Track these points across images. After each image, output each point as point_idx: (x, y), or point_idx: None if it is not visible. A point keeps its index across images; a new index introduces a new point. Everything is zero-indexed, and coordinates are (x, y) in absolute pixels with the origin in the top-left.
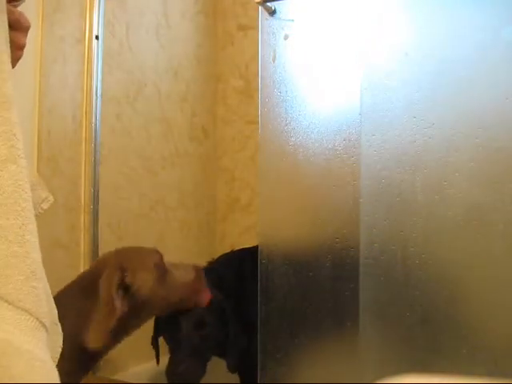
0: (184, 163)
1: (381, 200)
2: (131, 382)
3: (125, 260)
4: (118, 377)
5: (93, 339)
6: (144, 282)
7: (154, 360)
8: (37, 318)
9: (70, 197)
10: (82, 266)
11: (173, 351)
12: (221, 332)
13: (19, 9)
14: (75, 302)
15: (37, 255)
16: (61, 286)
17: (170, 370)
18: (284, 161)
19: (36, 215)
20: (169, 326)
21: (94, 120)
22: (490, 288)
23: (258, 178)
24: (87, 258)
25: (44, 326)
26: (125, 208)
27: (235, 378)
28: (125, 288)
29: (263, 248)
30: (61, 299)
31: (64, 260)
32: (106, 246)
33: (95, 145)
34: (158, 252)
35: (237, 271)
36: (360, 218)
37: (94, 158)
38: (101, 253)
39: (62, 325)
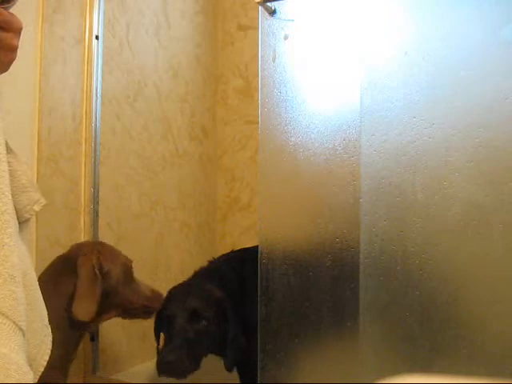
0: (184, 163)
1: (381, 200)
2: (131, 382)
3: (100, 248)
4: (118, 377)
5: (80, 312)
6: (114, 271)
7: (154, 360)
8: (14, 322)
9: (70, 197)
10: None
11: (166, 343)
12: (219, 329)
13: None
14: (56, 280)
15: (16, 259)
16: None
17: (159, 360)
18: (284, 161)
19: (36, 215)
20: (166, 318)
21: (94, 120)
22: (489, 288)
23: (258, 178)
24: None
25: (21, 329)
26: (125, 208)
27: (235, 378)
28: (100, 269)
29: (263, 248)
30: (42, 280)
31: None
32: None
33: (95, 145)
34: (129, 260)
35: (238, 271)
36: (360, 218)
37: (94, 158)
38: None
39: (47, 303)
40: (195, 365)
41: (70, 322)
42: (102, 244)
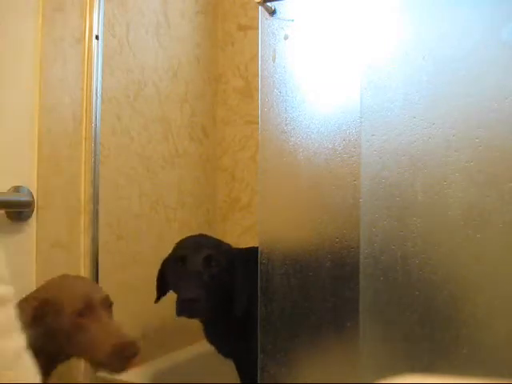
0: (184, 163)
1: (381, 200)
2: (131, 382)
3: (51, 293)
4: (118, 377)
5: None
6: (56, 326)
7: (154, 360)
8: None
9: (70, 197)
10: (82, 266)
11: (181, 285)
12: (229, 277)
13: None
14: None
15: None
16: None
17: (179, 299)
18: (284, 161)
19: (36, 215)
20: (179, 263)
21: (94, 120)
22: (489, 288)
23: (258, 178)
24: (87, 258)
25: None
26: (125, 208)
27: (235, 378)
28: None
29: (263, 248)
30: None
31: (64, 260)
32: (106, 246)
33: (95, 144)
34: (100, 299)
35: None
36: (360, 218)
37: (94, 157)
38: (101, 253)
39: None
40: (210, 309)
41: None
42: (59, 287)
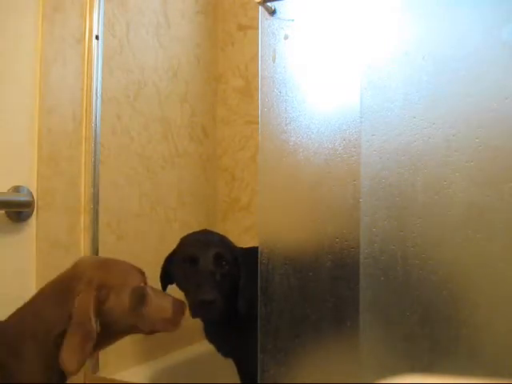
0: (184, 163)
1: (381, 200)
2: (131, 382)
3: (104, 276)
4: (118, 377)
5: (69, 364)
6: (118, 305)
7: (154, 360)
8: None
9: (70, 197)
10: None
11: (196, 285)
12: (237, 274)
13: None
14: (51, 306)
15: None
16: None
17: (196, 301)
18: (284, 161)
19: (36, 215)
20: (188, 261)
21: (94, 120)
22: (490, 288)
23: (258, 178)
24: None
25: None
26: (125, 208)
27: (235, 378)
28: (100, 307)
29: (263, 248)
30: (37, 302)
31: (64, 260)
32: (106, 246)
33: (95, 144)
34: (141, 273)
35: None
36: (360, 218)
37: (94, 157)
38: (101, 253)
39: (38, 327)
40: (224, 309)
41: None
42: (106, 269)
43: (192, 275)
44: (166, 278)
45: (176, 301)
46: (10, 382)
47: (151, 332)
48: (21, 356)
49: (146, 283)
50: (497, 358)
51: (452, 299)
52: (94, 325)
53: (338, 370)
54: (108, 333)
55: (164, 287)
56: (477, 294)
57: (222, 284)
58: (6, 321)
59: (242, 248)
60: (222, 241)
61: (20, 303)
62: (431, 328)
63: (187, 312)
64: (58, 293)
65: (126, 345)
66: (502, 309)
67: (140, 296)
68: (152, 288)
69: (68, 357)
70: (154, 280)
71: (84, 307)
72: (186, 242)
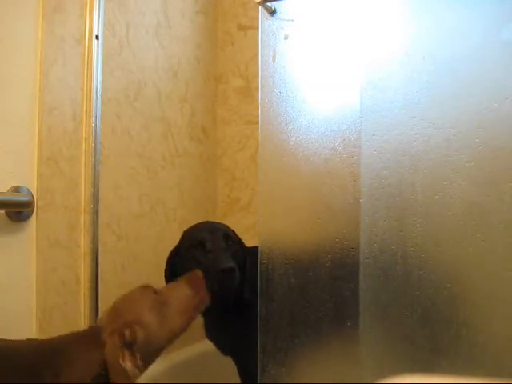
0: (184, 163)
1: (381, 200)
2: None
3: (121, 315)
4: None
5: None
6: (146, 330)
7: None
8: None
9: (70, 197)
10: (82, 266)
11: (210, 261)
12: (242, 256)
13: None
14: (79, 348)
15: None
16: (61, 285)
17: (220, 268)
18: (284, 161)
19: (36, 215)
20: (194, 248)
21: (94, 120)
22: (490, 288)
23: (258, 178)
24: (87, 257)
25: None
26: (125, 208)
27: (236, 378)
28: (131, 344)
29: (263, 248)
30: (68, 340)
31: (64, 260)
32: (106, 246)
33: (95, 144)
34: (148, 288)
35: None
36: (360, 218)
37: (94, 157)
38: (101, 253)
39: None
40: (239, 284)
41: None
42: (120, 310)
43: (203, 256)
44: (172, 273)
45: (190, 277)
46: None
47: (190, 322)
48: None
49: (155, 290)
50: (497, 358)
51: (452, 299)
52: (127, 366)
53: (338, 370)
54: (153, 357)
55: (169, 280)
56: (477, 294)
57: (234, 260)
58: (25, 342)
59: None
60: (227, 227)
61: (20, 303)
62: (431, 328)
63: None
64: (87, 338)
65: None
66: (502, 309)
67: (156, 305)
68: (164, 288)
69: None
70: (154, 279)
71: (113, 356)
72: (191, 231)
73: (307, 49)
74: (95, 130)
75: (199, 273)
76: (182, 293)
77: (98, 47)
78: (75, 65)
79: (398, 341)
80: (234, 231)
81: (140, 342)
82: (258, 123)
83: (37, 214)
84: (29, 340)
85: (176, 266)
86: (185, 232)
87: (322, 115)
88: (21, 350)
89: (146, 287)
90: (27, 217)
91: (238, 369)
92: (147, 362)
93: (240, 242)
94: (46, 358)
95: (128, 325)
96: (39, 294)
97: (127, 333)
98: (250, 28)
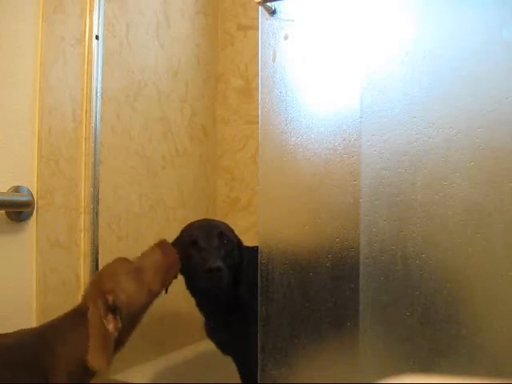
0: (184, 163)
1: (381, 200)
2: (131, 382)
3: (101, 284)
4: (118, 377)
5: (95, 363)
6: (126, 294)
7: (154, 360)
8: None
9: (70, 197)
10: (82, 266)
11: (199, 260)
12: (239, 256)
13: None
14: (71, 326)
15: None
16: (61, 285)
17: (207, 267)
18: (284, 161)
19: (36, 215)
20: (190, 245)
21: (94, 120)
22: (490, 288)
23: (258, 178)
24: (87, 258)
25: None
26: (125, 208)
27: (236, 378)
28: (113, 307)
29: (263, 248)
30: (60, 322)
31: (64, 260)
32: (106, 246)
33: (95, 144)
34: (122, 259)
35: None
36: (360, 218)
37: (94, 157)
38: (101, 253)
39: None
40: (231, 282)
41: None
42: (102, 280)
43: (196, 254)
44: None
45: (158, 245)
46: None
47: (165, 284)
48: (35, 368)
49: (130, 262)
50: (497, 358)
51: (452, 299)
52: (109, 326)
53: (338, 370)
54: (133, 320)
55: None
56: (477, 293)
57: (227, 259)
58: (23, 331)
59: (246, 246)
60: (224, 224)
61: (20, 303)
62: (431, 328)
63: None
64: (76, 317)
65: (125, 345)
66: (502, 309)
67: (132, 273)
68: (138, 257)
69: (94, 357)
70: None
71: (95, 318)
72: (187, 228)
73: (307, 49)
74: (95, 129)
75: (165, 240)
76: (154, 258)
77: (98, 47)
78: (75, 65)
79: (398, 341)
80: (232, 229)
81: (122, 305)
82: (258, 123)
83: (37, 214)
84: (19, 331)
85: None
86: (182, 229)
87: (322, 115)
88: (13, 342)
89: (120, 258)
90: (27, 217)
91: (238, 369)
92: (129, 326)
93: (236, 240)
94: (42, 342)
95: (109, 291)
96: (39, 294)
97: (110, 297)
98: (250, 28)
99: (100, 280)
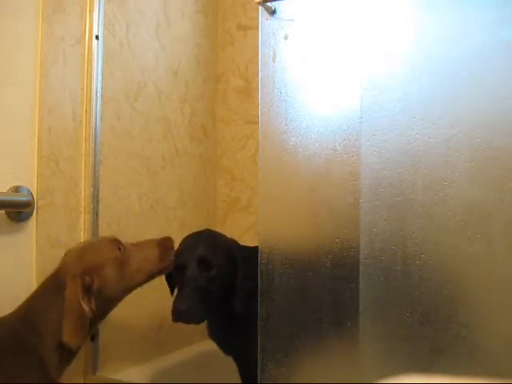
0: (184, 163)
1: (381, 200)
2: (131, 382)
3: (83, 264)
4: (118, 377)
5: (70, 340)
6: (106, 280)
7: (154, 360)
8: None
9: (70, 197)
10: None
11: (178, 291)
12: (229, 276)
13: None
14: (49, 301)
15: None
16: None
17: (172, 308)
18: (284, 161)
19: (36, 215)
20: (178, 267)
21: (94, 120)
22: (489, 288)
23: (258, 178)
24: None
25: None
26: (125, 208)
27: (236, 378)
28: (89, 289)
29: (263, 248)
30: (37, 298)
31: None
32: None
33: (95, 144)
34: (115, 241)
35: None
36: (360, 218)
37: (94, 157)
38: None
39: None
40: (206, 312)
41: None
42: (84, 254)
43: (179, 281)
44: (171, 278)
45: (162, 240)
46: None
47: (148, 279)
48: (25, 351)
49: (121, 245)
50: (497, 358)
51: (452, 299)
52: (85, 307)
53: (338, 370)
54: (107, 305)
55: (172, 289)
56: (477, 294)
57: (207, 288)
58: (6, 317)
59: (246, 246)
60: (215, 241)
61: (20, 303)
62: (431, 328)
63: None
64: (53, 289)
65: (125, 345)
66: (501, 309)
67: (118, 261)
68: (132, 244)
69: (69, 335)
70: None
71: (72, 296)
72: (179, 247)
73: (307, 49)
74: (95, 129)
75: (170, 239)
76: (147, 254)
77: (98, 47)
78: (75, 65)
79: (398, 341)
80: (221, 245)
81: (98, 290)
82: (258, 123)
83: (37, 214)
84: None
85: (171, 277)
86: (180, 243)
87: (322, 115)
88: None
89: (112, 240)
90: (27, 217)
91: (238, 369)
92: (102, 309)
93: (223, 262)
94: (25, 325)
95: (88, 272)
96: None
97: (88, 279)
98: (250, 28)
99: (83, 256)
